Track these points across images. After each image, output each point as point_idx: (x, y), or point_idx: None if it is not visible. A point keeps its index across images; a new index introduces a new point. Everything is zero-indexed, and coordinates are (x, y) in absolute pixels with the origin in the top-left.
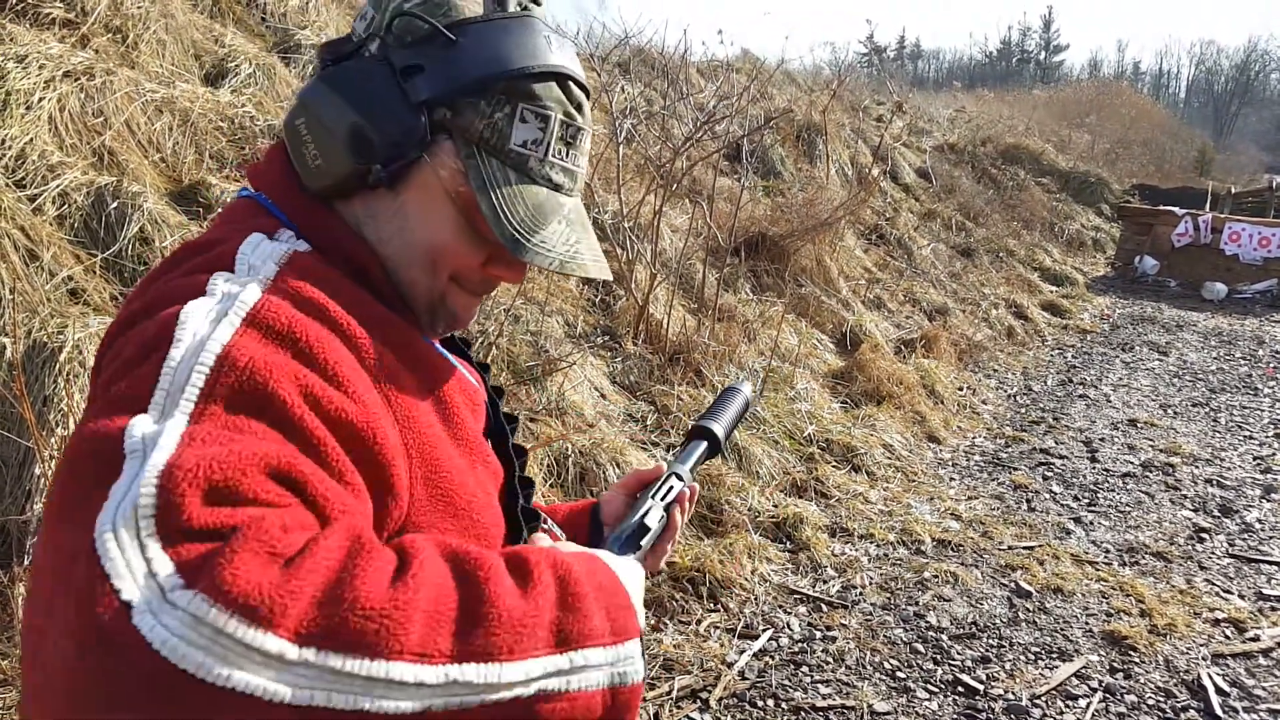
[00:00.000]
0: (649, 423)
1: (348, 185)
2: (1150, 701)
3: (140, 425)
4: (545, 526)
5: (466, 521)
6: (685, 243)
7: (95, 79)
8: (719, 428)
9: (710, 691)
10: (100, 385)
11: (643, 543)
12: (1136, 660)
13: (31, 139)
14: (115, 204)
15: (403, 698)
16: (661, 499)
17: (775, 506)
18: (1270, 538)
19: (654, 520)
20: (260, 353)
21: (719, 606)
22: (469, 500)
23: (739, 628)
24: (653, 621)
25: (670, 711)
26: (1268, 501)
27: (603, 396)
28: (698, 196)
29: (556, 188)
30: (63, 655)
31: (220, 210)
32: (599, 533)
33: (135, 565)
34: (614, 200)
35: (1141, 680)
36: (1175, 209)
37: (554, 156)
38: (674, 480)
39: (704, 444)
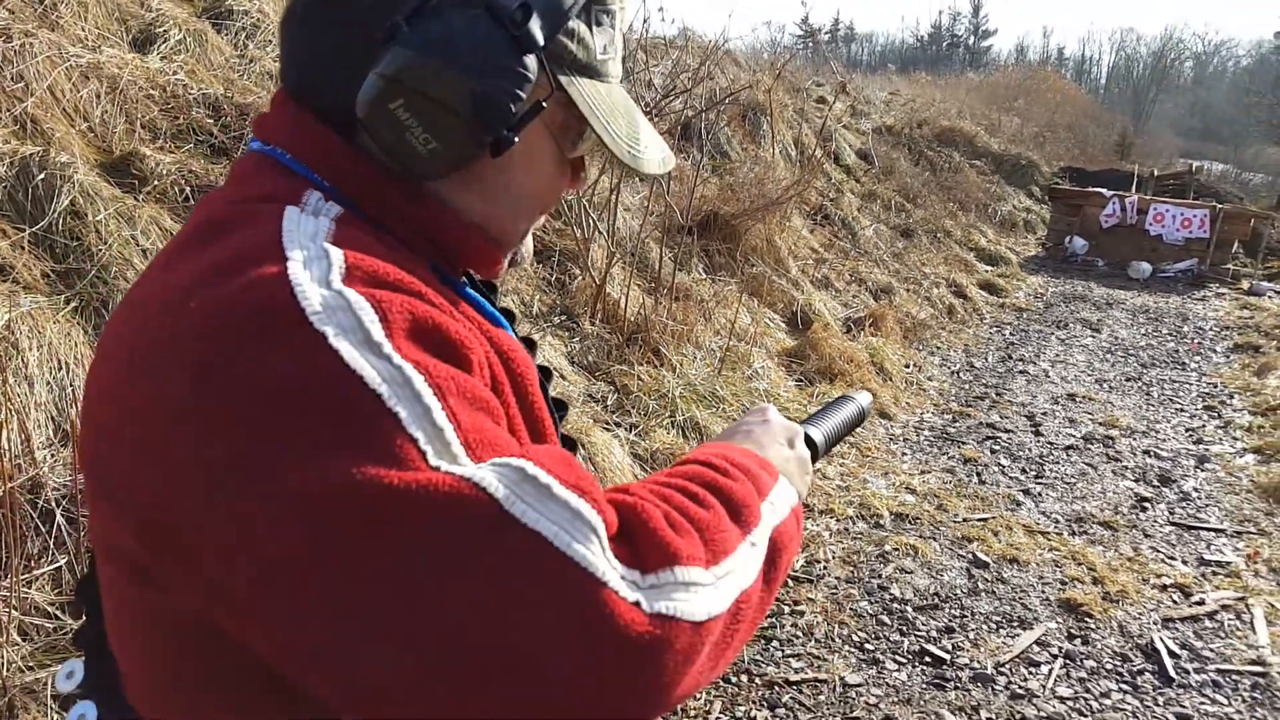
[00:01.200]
0: (609, 403)
1: (465, 162)
2: (1108, 666)
3: (470, 472)
4: None
5: None
6: (641, 223)
7: (13, 41)
8: (819, 435)
9: None
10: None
11: None
12: (1092, 626)
13: None
14: (43, 175)
15: (745, 568)
16: None
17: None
18: (1206, 505)
19: None
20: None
21: None
22: None
23: None
24: None
25: None
26: (1201, 471)
27: (562, 377)
28: (649, 176)
29: (617, 77)
30: (575, 654)
31: (231, 169)
32: None
33: (623, 573)
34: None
35: (1098, 646)
36: (1103, 191)
37: (615, 48)
38: None
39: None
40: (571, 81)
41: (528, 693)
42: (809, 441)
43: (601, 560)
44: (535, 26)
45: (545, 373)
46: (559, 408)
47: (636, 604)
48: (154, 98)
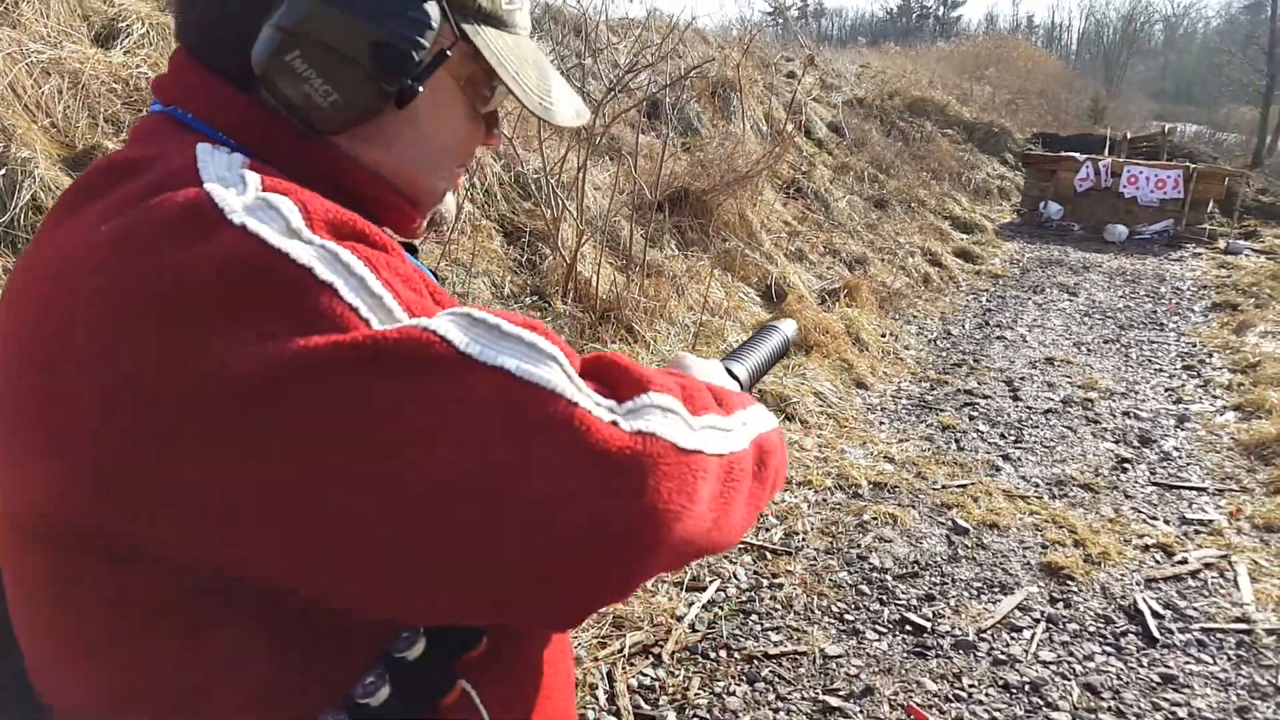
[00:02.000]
0: None
1: (369, 115)
2: (1091, 628)
3: (429, 322)
4: None
5: None
6: (610, 200)
7: None
8: (742, 370)
9: (662, 646)
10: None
11: None
12: (1074, 589)
13: None
14: (3, 171)
15: (731, 436)
16: None
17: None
18: (1187, 464)
19: None
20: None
21: None
22: None
23: (686, 581)
24: None
25: (623, 669)
26: (1182, 430)
27: None
28: (619, 154)
29: (525, 29)
30: (584, 490)
31: (130, 131)
32: None
33: (597, 400)
34: (535, 158)
35: (1081, 609)
36: (1076, 155)
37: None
38: None
39: None
40: (476, 31)
41: (525, 529)
42: (732, 377)
43: (568, 384)
44: None
45: None
46: None
47: (614, 423)
48: (117, 91)
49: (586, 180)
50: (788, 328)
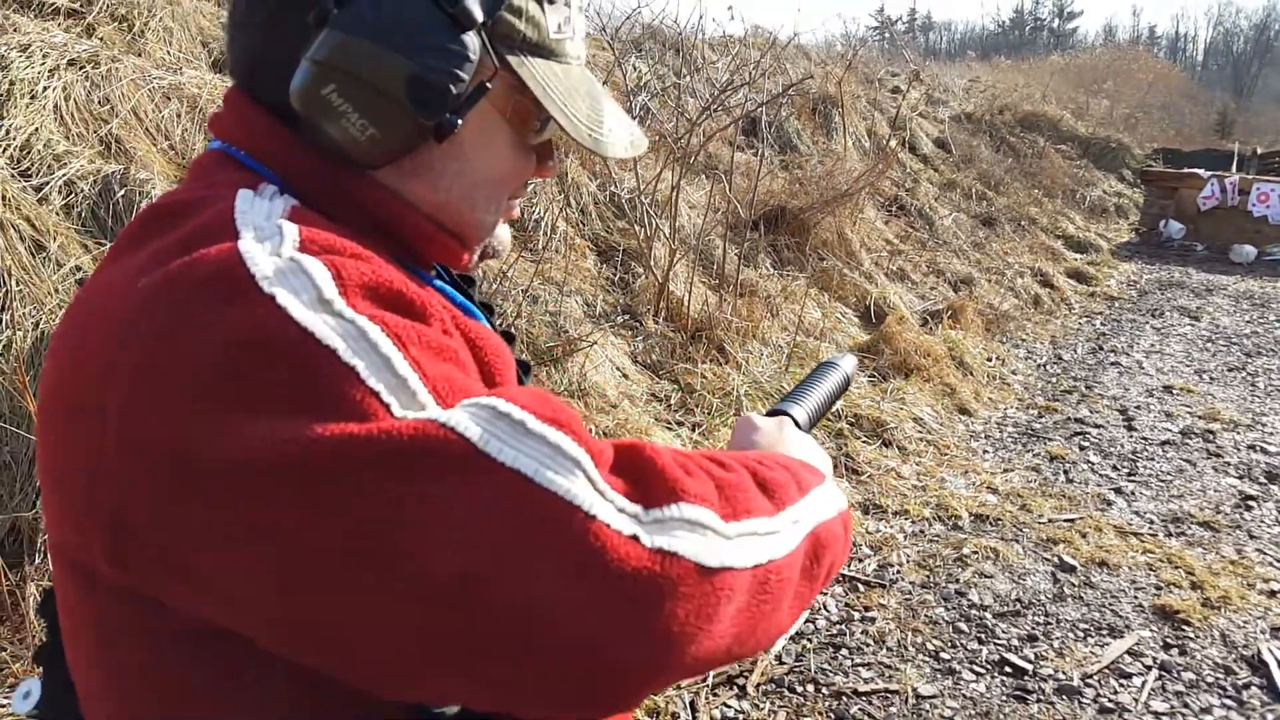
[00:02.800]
0: (673, 402)
1: (407, 149)
2: (1209, 679)
3: (448, 415)
4: None
5: None
6: (704, 219)
7: (100, 67)
8: (801, 413)
9: (747, 678)
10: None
11: None
12: (1191, 635)
13: (37, 128)
14: (123, 191)
15: (773, 541)
16: None
17: None
18: None
19: None
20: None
21: None
22: None
23: None
24: None
25: (707, 700)
26: None
27: (625, 376)
28: (714, 172)
29: (578, 59)
30: (590, 602)
31: (187, 169)
32: None
33: (613, 502)
34: (630, 178)
35: (1198, 656)
36: (1200, 171)
37: (574, 29)
38: None
39: None
40: (522, 62)
41: (531, 643)
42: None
43: (589, 492)
44: (473, 2)
45: (524, 368)
46: (523, 370)
47: (634, 538)
48: None
49: (680, 199)
50: (847, 364)
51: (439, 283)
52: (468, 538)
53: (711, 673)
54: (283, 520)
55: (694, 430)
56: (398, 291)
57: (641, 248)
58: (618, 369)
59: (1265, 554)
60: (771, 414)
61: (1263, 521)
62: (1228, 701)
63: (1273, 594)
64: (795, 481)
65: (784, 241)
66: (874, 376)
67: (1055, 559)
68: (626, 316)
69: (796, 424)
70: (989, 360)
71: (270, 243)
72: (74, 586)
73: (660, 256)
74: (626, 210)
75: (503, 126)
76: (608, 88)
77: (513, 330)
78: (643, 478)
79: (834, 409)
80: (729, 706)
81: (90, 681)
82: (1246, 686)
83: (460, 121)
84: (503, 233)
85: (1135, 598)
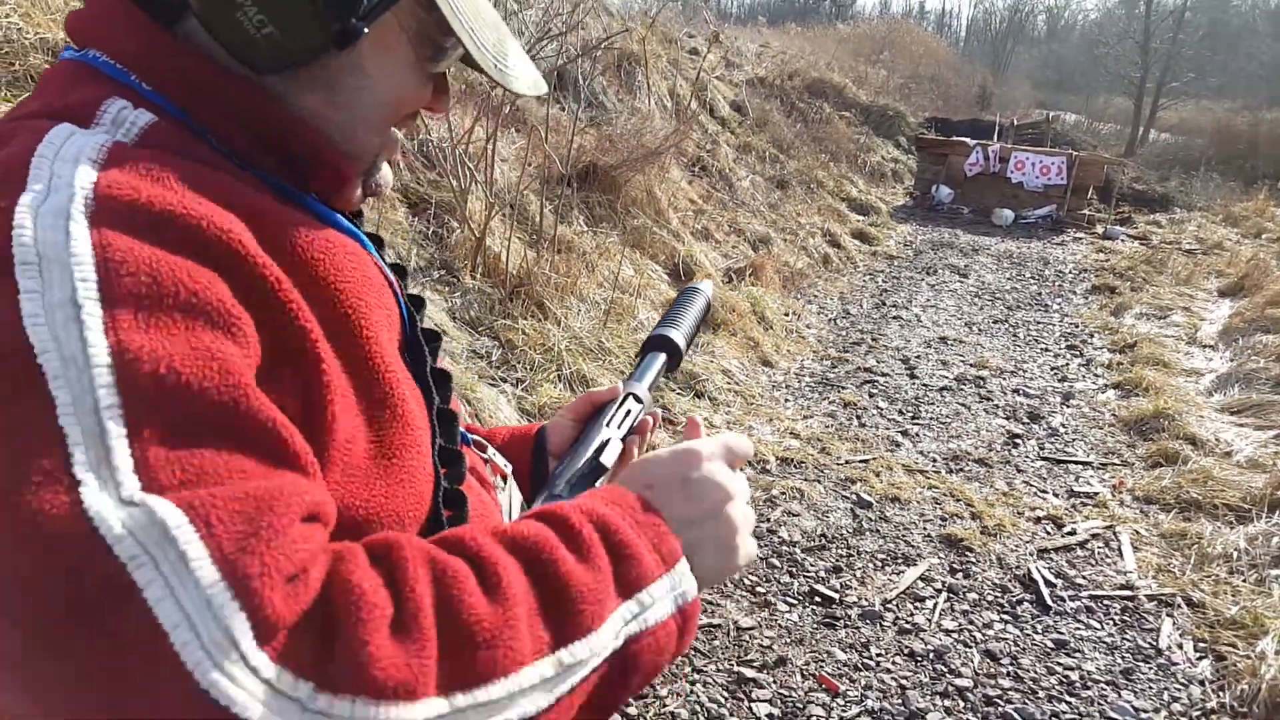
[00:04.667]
0: (494, 358)
1: (306, 54)
2: (989, 597)
3: (99, 502)
4: (487, 456)
5: (407, 466)
6: (520, 174)
7: None
8: (679, 335)
9: None
10: None
11: (598, 484)
12: (973, 560)
13: None
14: None
15: (533, 697)
16: (618, 427)
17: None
18: (1073, 440)
19: (610, 457)
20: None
21: None
22: (412, 436)
23: None
24: None
25: None
26: (1067, 407)
27: (444, 333)
28: (524, 126)
29: None
30: None
31: (39, 81)
32: (543, 465)
33: (253, 690)
34: (440, 126)
35: (979, 578)
36: (967, 140)
37: None
38: (631, 403)
39: (662, 356)
40: None
41: None
42: (670, 344)
43: (225, 680)
44: None
45: (418, 302)
46: (431, 339)
47: None
48: None
49: (495, 152)
50: (707, 288)
51: (318, 205)
52: (80, 680)
53: None
54: None
55: (517, 386)
56: (202, 297)
57: (456, 201)
58: (436, 325)
59: (1031, 485)
60: (650, 340)
61: (1027, 456)
62: (1005, 616)
63: (1038, 520)
64: (620, 575)
65: (596, 199)
66: None
67: (854, 496)
68: (442, 272)
69: (676, 346)
70: (787, 315)
71: (55, 199)
72: None
73: (476, 211)
74: (438, 161)
75: (405, 45)
76: None
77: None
78: (335, 643)
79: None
80: None
81: None
82: (1020, 602)
83: (365, 30)
84: (385, 170)
85: (924, 529)
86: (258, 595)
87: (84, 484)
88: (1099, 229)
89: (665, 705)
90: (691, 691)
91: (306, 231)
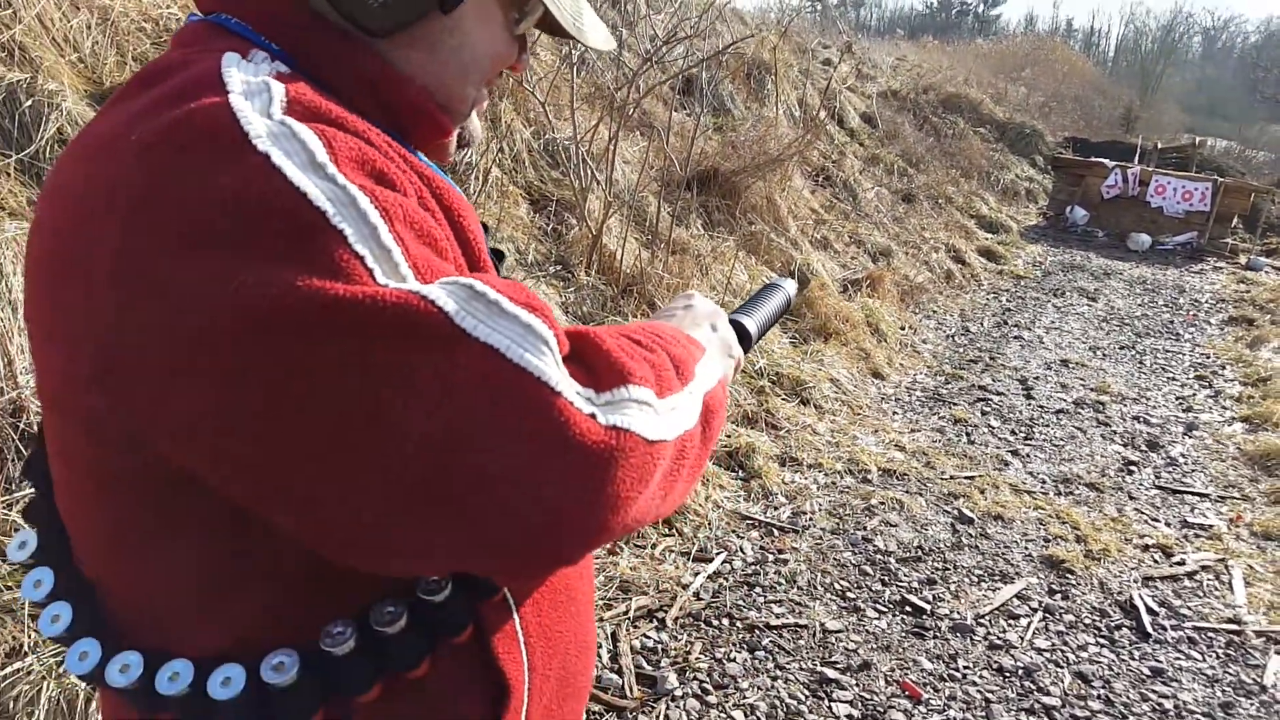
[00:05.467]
0: None
1: (416, 17)
2: (1087, 620)
3: (428, 289)
4: None
5: None
6: (639, 175)
7: None
8: (752, 324)
9: (666, 611)
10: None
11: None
12: (1073, 582)
13: None
14: (30, 102)
15: (693, 411)
16: None
17: (728, 436)
18: (1192, 471)
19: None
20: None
21: (674, 532)
22: None
23: (693, 551)
24: (608, 546)
25: (627, 630)
26: (1189, 438)
27: None
28: (650, 129)
29: None
30: (552, 477)
31: (171, 39)
32: None
33: (578, 389)
34: (566, 127)
35: (1078, 601)
36: (1105, 161)
37: None
38: None
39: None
40: None
41: (490, 509)
42: (741, 329)
43: (556, 371)
44: None
45: (499, 255)
46: (497, 257)
47: (592, 416)
48: (146, 30)
49: (616, 153)
50: (790, 286)
51: (423, 157)
52: (441, 403)
53: (634, 606)
54: (264, 366)
55: None
56: (382, 168)
57: (576, 199)
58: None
59: (1142, 513)
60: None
61: (1141, 485)
62: (1101, 640)
63: (1146, 548)
64: (692, 357)
65: (715, 203)
66: (795, 339)
67: (955, 511)
68: (559, 267)
69: (747, 333)
70: (902, 329)
71: (259, 100)
72: (72, 434)
73: (594, 209)
74: (562, 160)
75: (496, 7)
76: (542, 37)
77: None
78: (594, 366)
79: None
80: (649, 637)
81: (88, 528)
82: (1119, 628)
83: None
84: (475, 122)
85: (1025, 548)
86: (556, 330)
87: (391, 285)
88: (1242, 259)
89: (745, 697)
90: (772, 686)
91: (428, 168)
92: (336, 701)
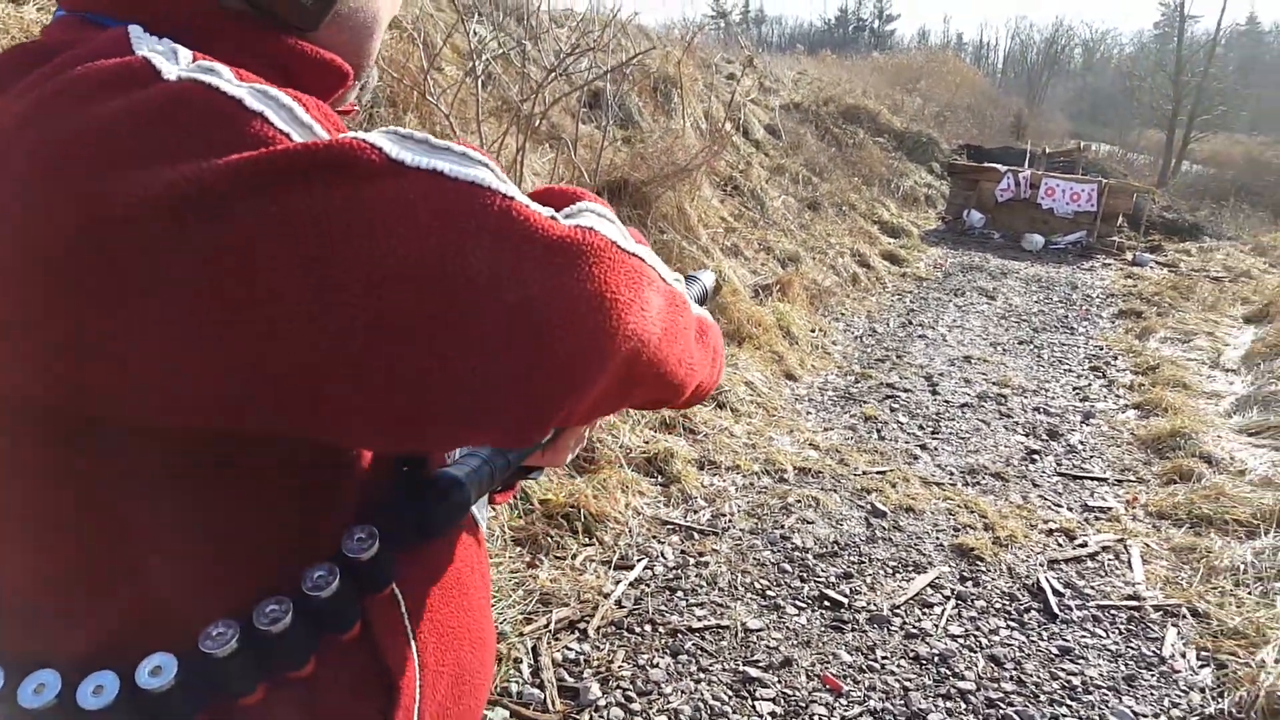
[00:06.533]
0: None
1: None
2: (997, 605)
3: (360, 134)
4: None
5: None
6: None
7: None
8: (709, 276)
9: (589, 621)
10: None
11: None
12: (983, 569)
13: None
14: None
15: (678, 290)
16: None
17: (646, 443)
18: (1090, 457)
19: None
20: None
21: (594, 540)
22: None
23: (614, 560)
24: (528, 559)
25: (549, 643)
26: (1087, 425)
27: None
28: (558, 141)
29: None
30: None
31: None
32: None
33: (532, 202)
34: (474, 139)
35: (989, 586)
36: (998, 166)
37: None
38: None
39: None
40: None
41: (479, 314)
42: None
43: (505, 184)
44: None
45: None
46: None
47: (553, 218)
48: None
49: (525, 165)
50: (708, 278)
51: None
52: (396, 229)
53: (555, 618)
54: (214, 246)
55: None
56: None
57: None
58: None
59: (1045, 499)
60: None
61: (1044, 472)
62: (1011, 623)
63: (1050, 533)
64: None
65: (626, 213)
66: None
67: (868, 506)
68: None
69: (706, 292)
70: (813, 331)
71: (169, 59)
72: (26, 443)
73: None
74: None
75: None
76: (448, 49)
77: None
78: (547, 198)
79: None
80: (571, 649)
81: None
82: (1027, 610)
83: None
84: (374, 71)
85: (936, 538)
86: (491, 161)
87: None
88: (1128, 255)
89: (669, 702)
90: (696, 689)
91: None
92: (218, 705)
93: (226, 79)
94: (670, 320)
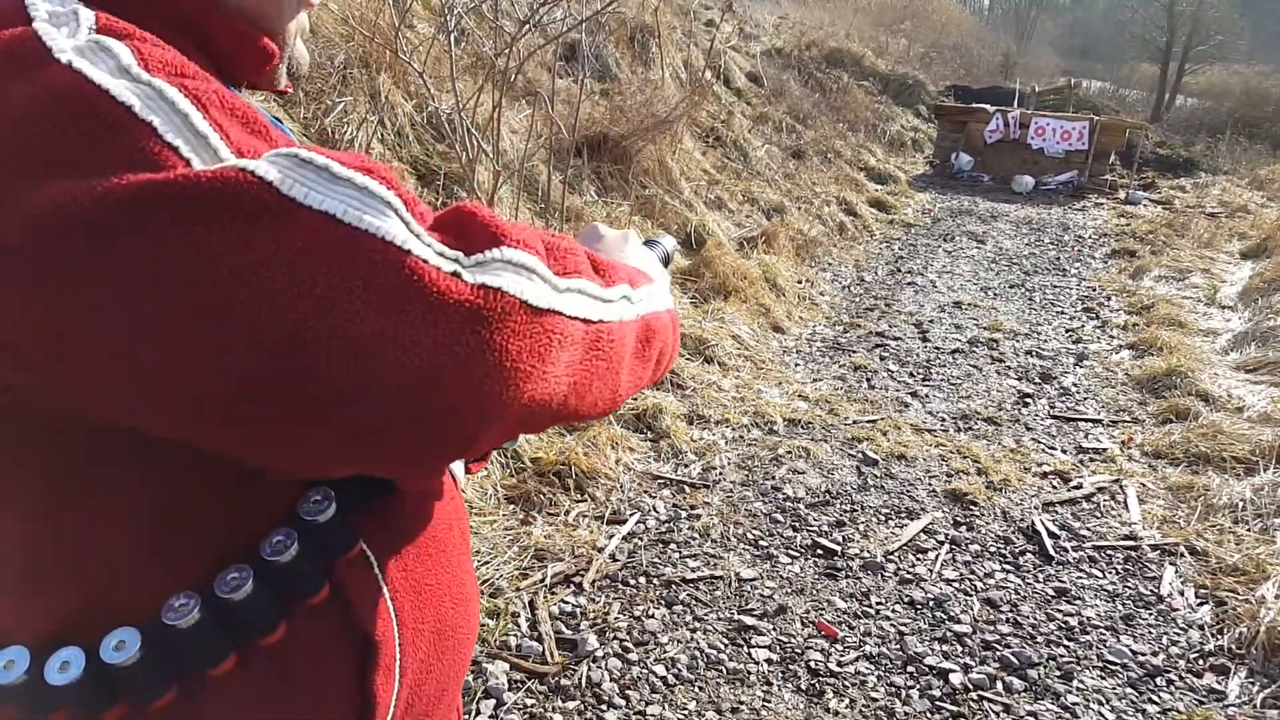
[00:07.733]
0: None
1: None
2: (992, 549)
3: (248, 162)
4: None
5: None
6: (527, 143)
7: None
8: (668, 241)
9: (583, 575)
10: None
11: None
12: (977, 514)
13: None
14: None
15: (616, 310)
16: None
17: (634, 399)
18: (1084, 399)
19: None
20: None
21: (586, 497)
22: None
23: (607, 515)
24: (521, 516)
25: (545, 598)
26: (1080, 367)
27: None
28: (534, 97)
29: None
30: (434, 338)
31: None
32: None
33: (431, 245)
34: (448, 97)
35: (983, 531)
36: (987, 107)
37: None
38: None
39: None
40: None
41: (366, 381)
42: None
43: (402, 231)
44: None
45: None
46: None
47: (455, 274)
48: None
49: (502, 122)
50: (668, 242)
51: (244, 93)
52: (279, 280)
53: (550, 573)
54: (88, 274)
55: None
56: (196, 73)
57: (464, 171)
58: None
59: (1039, 442)
60: None
61: (1037, 415)
62: (1007, 566)
63: (1044, 475)
64: (627, 274)
65: (607, 169)
66: (695, 298)
67: (860, 455)
68: None
69: (667, 254)
70: (799, 282)
71: (66, 28)
72: None
73: (484, 180)
74: (446, 132)
75: None
76: (419, 4)
77: None
78: (464, 229)
79: None
80: (567, 603)
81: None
82: (1023, 553)
83: None
84: (301, 48)
85: (929, 484)
86: (400, 191)
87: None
88: (1121, 194)
89: (666, 651)
90: (691, 638)
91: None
92: (188, 676)
93: (123, 65)
94: (587, 367)
